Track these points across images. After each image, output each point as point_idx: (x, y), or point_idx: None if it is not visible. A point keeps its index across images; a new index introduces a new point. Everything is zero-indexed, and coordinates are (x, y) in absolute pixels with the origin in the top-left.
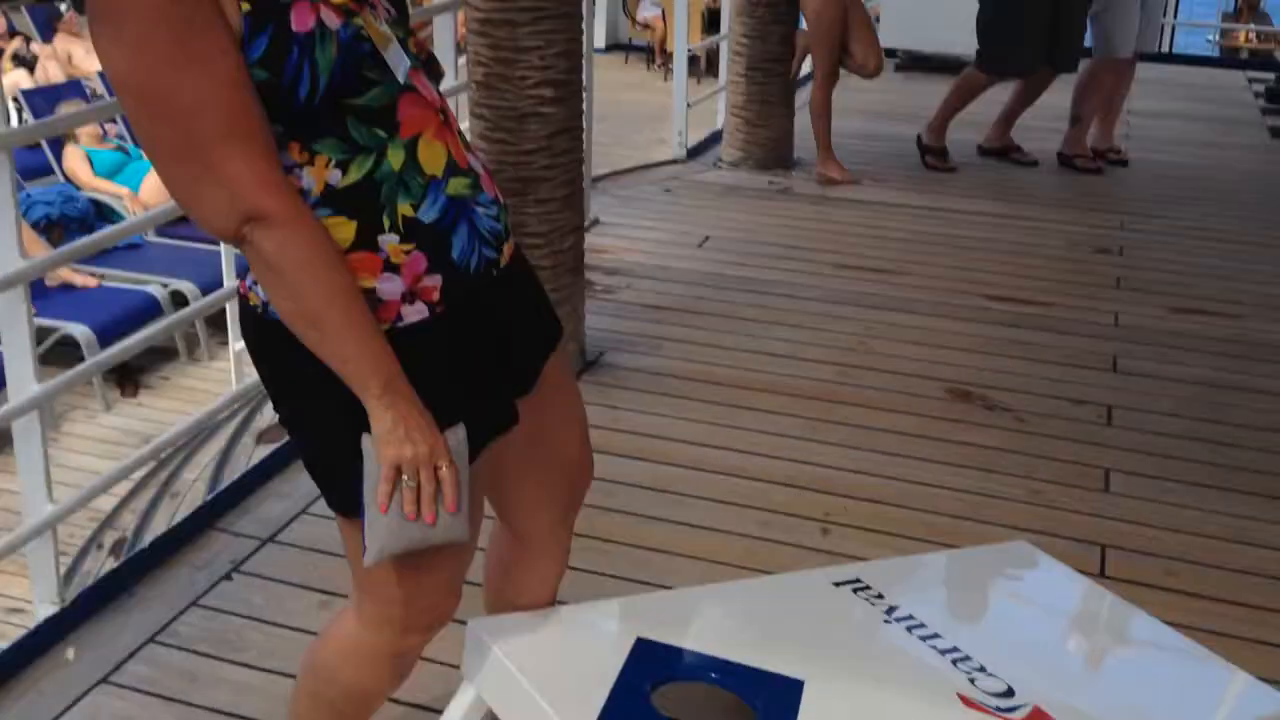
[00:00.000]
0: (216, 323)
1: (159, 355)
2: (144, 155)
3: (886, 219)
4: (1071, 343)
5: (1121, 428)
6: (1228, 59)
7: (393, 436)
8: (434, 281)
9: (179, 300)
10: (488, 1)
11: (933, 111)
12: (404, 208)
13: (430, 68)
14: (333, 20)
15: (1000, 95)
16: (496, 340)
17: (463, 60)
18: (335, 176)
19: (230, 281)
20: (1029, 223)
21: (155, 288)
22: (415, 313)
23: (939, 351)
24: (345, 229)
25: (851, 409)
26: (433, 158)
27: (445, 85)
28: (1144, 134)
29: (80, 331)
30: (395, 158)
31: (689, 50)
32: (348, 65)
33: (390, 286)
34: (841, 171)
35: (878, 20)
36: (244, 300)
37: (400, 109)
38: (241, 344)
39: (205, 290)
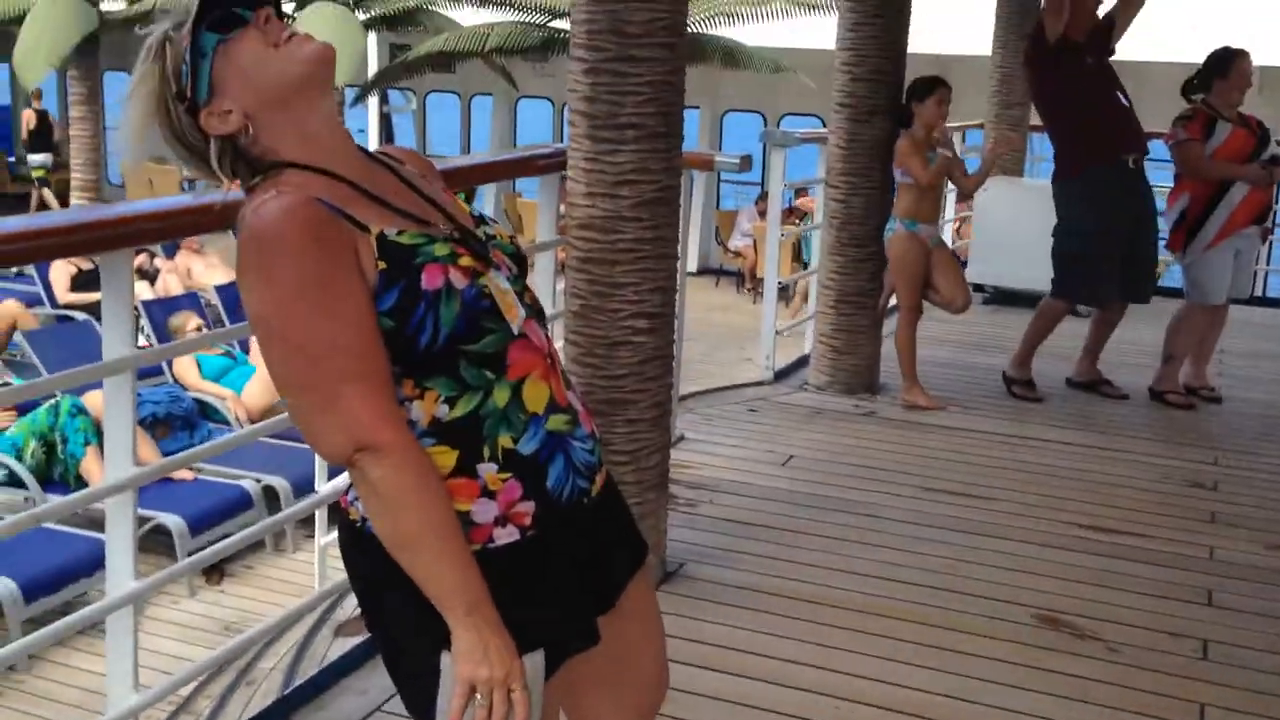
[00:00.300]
0: (304, 516)
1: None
2: (274, 380)
3: (974, 445)
4: (1165, 575)
5: (1218, 662)
6: None
7: (472, 656)
8: (527, 508)
9: (270, 494)
10: (589, 241)
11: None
12: (504, 440)
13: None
14: (460, 280)
15: (1084, 330)
16: (585, 563)
17: (560, 286)
18: (443, 410)
19: (321, 482)
20: (1119, 455)
21: (248, 482)
22: (506, 535)
23: (1028, 578)
24: (447, 457)
25: (938, 631)
26: (536, 396)
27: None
28: (1237, 373)
29: (174, 522)
30: (501, 396)
31: (779, 281)
32: (468, 319)
33: (484, 511)
34: (927, 398)
35: (964, 261)
36: (344, 514)
37: (510, 353)
38: (326, 540)
39: (296, 486)
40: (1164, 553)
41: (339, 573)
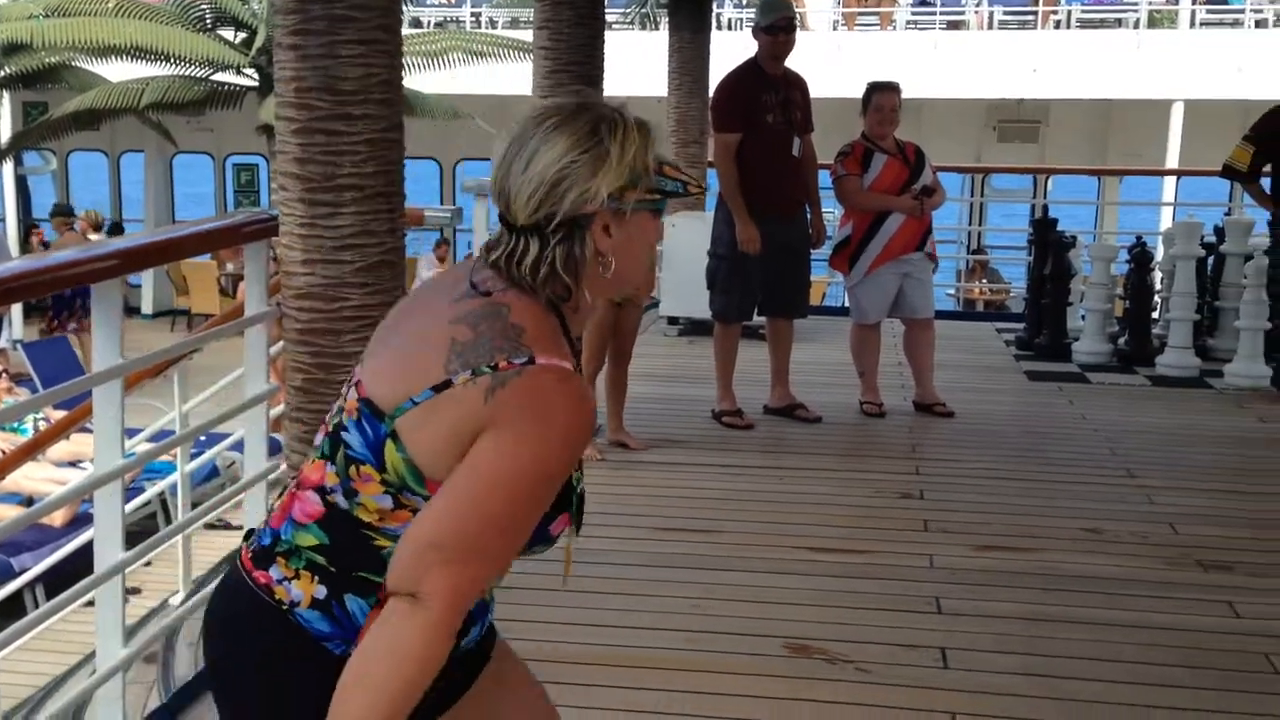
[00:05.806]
0: None
1: None
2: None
3: (696, 479)
4: (895, 588)
5: (959, 669)
6: (971, 312)
7: None
8: None
9: None
10: (310, 311)
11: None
12: None
13: None
14: (558, 528)
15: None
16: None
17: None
18: None
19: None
20: (829, 474)
21: None
22: None
23: (773, 607)
24: None
25: (688, 675)
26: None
27: None
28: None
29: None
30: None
31: None
32: (531, 545)
33: None
34: (634, 440)
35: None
36: (265, 592)
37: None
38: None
39: None
40: (890, 565)
41: None
